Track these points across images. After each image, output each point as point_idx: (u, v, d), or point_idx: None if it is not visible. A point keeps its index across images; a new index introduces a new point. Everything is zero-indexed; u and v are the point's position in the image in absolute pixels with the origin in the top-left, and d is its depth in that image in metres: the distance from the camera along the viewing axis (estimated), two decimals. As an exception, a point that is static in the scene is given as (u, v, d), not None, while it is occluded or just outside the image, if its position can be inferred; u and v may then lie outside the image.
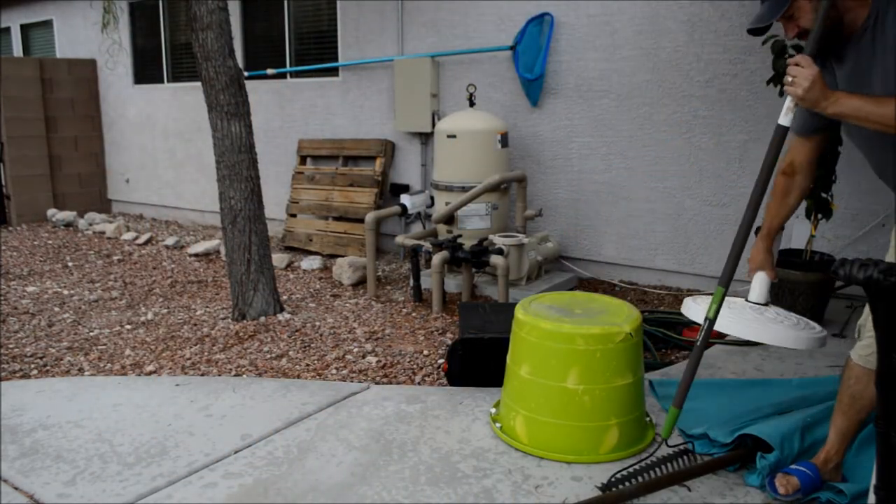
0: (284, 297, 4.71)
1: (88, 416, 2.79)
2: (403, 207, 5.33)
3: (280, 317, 4.27)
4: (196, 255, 6.21)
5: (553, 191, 5.29)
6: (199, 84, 4.15)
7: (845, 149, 3.83)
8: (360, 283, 5.16)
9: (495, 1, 5.29)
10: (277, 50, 6.78)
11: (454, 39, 5.56)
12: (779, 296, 3.88)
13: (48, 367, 3.58)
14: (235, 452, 2.48)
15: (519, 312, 2.57)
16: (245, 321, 4.19)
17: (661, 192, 4.81)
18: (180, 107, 7.86)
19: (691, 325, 3.89)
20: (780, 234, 2.36)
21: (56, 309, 4.60)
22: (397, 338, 3.98)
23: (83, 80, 8.63)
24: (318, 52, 6.56)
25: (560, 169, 5.22)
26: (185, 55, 7.73)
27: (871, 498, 1.65)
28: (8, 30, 9.90)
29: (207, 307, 4.60)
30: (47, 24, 9.31)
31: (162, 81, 8.04)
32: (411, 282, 4.69)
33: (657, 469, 2.22)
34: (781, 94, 3.89)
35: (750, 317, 2.11)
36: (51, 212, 8.19)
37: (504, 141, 4.93)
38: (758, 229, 2.38)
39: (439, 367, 3.49)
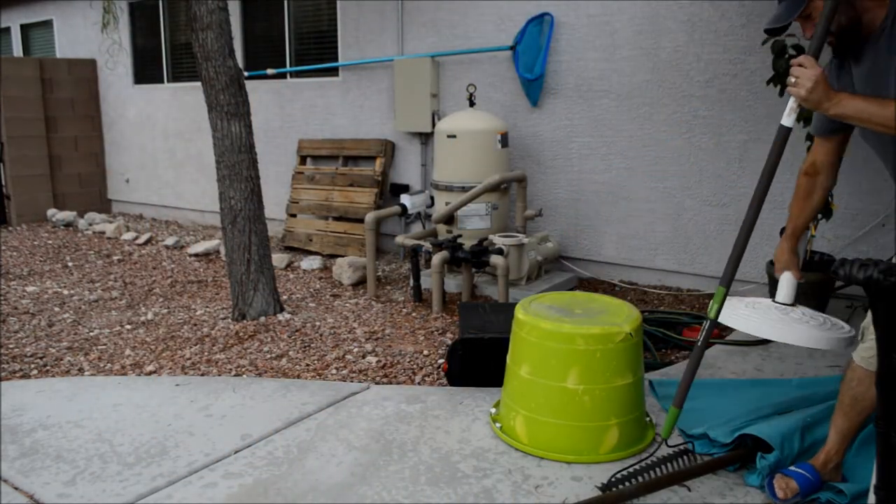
0: (284, 297, 4.71)
1: (88, 416, 2.79)
2: (403, 207, 5.33)
3: (280, 317, 4.27)
4: (196, 255, 6.22)
5: (553, 191, 5.29)
6: (199, 84, 4.15)
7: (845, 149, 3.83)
8: (360, 283, 5.16)
9: (495, 1, 5.29)
10: (277, 50, 6.78)
11: (454, 39, 5.56)
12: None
13: (48, 367, 3.58)
14: (235, 452, 2.48)
15: (519, 312, 2.57)
16: (245, 321, 4.19)
17: (661, 192, 4.81)
18: (180, 107, 7.86)
19: (691, 325, 3.90)
20: (805, 234, 2.36)
21: (56, 309, 4.60)
22: (397, 338, 3.98)
23: (83, 80, 8.63)
24: (318, 52, 6.56)
25: (560, 169, 5.22)
26: (185, 55, 7.73)
27: (871, 498, 1.65)
28: (8, 30, 9.90)
29: (207, 307, 4.60)
30: (47, 24, 9.31)
31: (162, 81, 8.04)
32: (411, 282, 4.69)
33: (657, 469, 2.22)
34: (782, 94, 3.91)
35: (775, 317, 2.11)
36: (51, 212, 8.19)
37: (504, 141, 4.93)
38: (782, 230, 2.39)
39: (439, 367, 3.49)
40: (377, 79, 6.09)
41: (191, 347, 3.81)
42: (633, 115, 4.84)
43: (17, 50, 9.84)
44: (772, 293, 4.16)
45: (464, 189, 4.75)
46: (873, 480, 1.64)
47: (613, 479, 2.20)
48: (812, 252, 3.93)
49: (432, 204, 5.37)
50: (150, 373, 3.47)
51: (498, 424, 2.62)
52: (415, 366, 3.53)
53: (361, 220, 5.44)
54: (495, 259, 4.21)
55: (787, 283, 2.23)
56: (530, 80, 5.12)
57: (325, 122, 6.55)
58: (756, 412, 2.56)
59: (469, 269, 4.44)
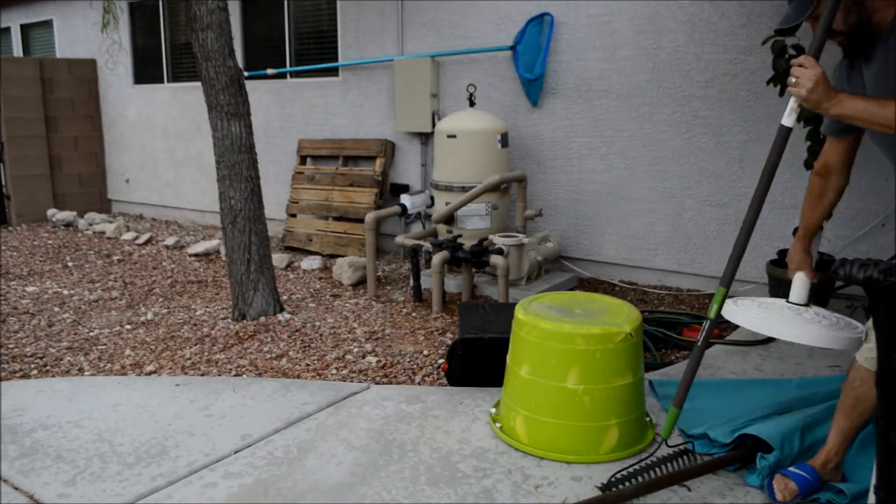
0: (284, 297, 4.71)
1: (88, 416, 2.79)
2: (403, 207, 5.33)
3: (280, 317, 4.27)
4: (196, 255, 6.22)
5: (553, 191, 5.29)
6: (199, 84, 4.15)
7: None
8: (360, 283, 5.16)
9: (495, 1, 5.29)
10: (277, 50, 6.78)
11: (454, 39, 5.56)
12: (779, 296, 3.87)
13: (48, 367, 3.58)
14: (235, 452, 2.48)
15: (519, 312, 2.57)
16: (245, 321, 4.19)
17: (661, 192, 4.81)
18: (180, 107, 7.86)
19: (691, 325, 3.90)
20: (819, 234, 2.36)
21: (56, 309, 4.60)
22: (397, 338, 3.98)
23: (83, 80, 8.63)
24: (318, 52, 6.56)
25: (560, 169, 5.22)
26: (185, 55, 7.73)
27: (871, 498, 1.65)
28: (8, 30, 9.90)
29: (207, 307, 4.60)
30: (47, 24, 9.31)
31: (162, 81, 8.04)
32: (411, 282, 4.69)
33: (657, 469, 2.22)
34: (782, 94, 3.91)
35: (787, 317, 2.11)
36: (51, 212, 8.19)
37: (504, 141, 4.93)
38: (795, 230, 2.39)
39: (439, 367, 3.49)
40: (377, 79, 6.09)
41: (191, 347, 3.81)
42: (633, 115, 4.84)
43: (17, 50, 9.84)
44: (772, 293, 4.18)
45: (464, 189, 4.75)
46: (873, 480, 1.64)
47: (613, 479, 2.20)
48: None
49: (432, 204, 5.37)
50: (150, 373, 3.47)
51: (498, 424, 2.62)
52: (415, 366, 3.53)
53: (361, 220, 5.43)
54: (495, 259, 4.21)
55: (800, 283, 2.23)
56: (530, 80, 5.12)
57: (325, 122, 6.55)
58: (756, 412, 2.56)
59: (469, 269, 4.44)
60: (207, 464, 2.40)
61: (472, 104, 5.07)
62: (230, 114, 4.06)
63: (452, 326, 4.12)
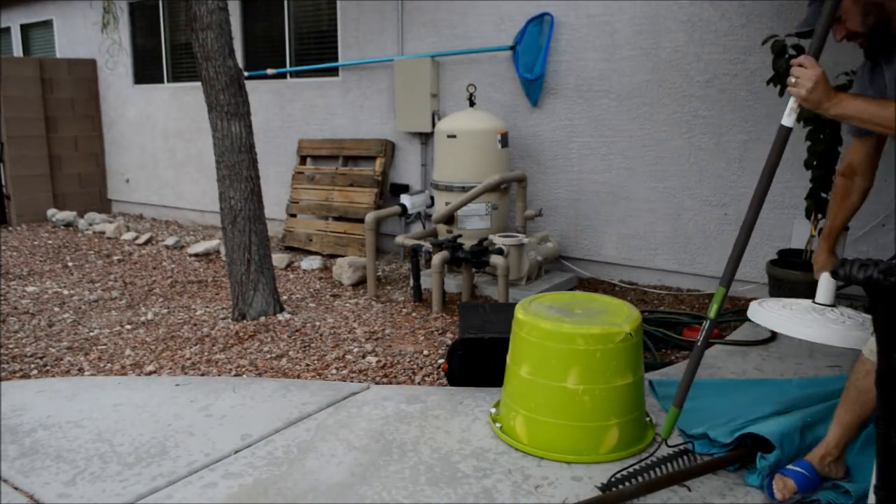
0: (284, 297, 4.71)
1: (88, 416, 2.79)
2: (403, 207, 5.33)
3: (280, 317, 4.27)
4: (196, 255, 6.22)
5: (553, 191, 5.29)
6: (199, 84, 4.15)
7: (845, 149, 3.83)
8: (360, 283, 5.16)
9: (495, 1, 5.29)
10: (277, 50, 6.78)
11: (454, 39, 5.56)
12: (779, 296, 3.88)
13: (48, 367, 3.58)
14: (235, 452, 2.48)
15: (519, 312, 2.57)
16: (245, 321, 4.19)
17: (661, 192, 4.81)
18: (180, 107, 7.86)
19: (691, 325, 3.90)
20: (845, 234, 2.37)
21: (56, 309, 4.60)
22: (397, 338, 3.98)
23: (83, 80, 8.63)
24: (318, 52, 6.56)
25: (560, 169, 5.22)
26: (185, 55, 7.73)
27: (871, 498, 1.65)
28: (8, 30, 9.90)
29: (207, 307, 4.60)
30: (47, 24, 9.31)
31: (162, 81, 8.04)
32: (411, 282, 4.69)
33: (657, 469, 2.22)
34: (782, 94, 3.91)
35: (811, 318, 2.10)
36: (51, 212, 8.19)
37: (504, 141, 4.93)
38: (820, 230, 2.39)
39: (439, 367, 3.49)
40: (377, 79, 6.09)
41: (191, 347, 3.81)
42: (633, 115, 4.84)
43: (17, 50, 9.84)
44: (772, 293, 4.19)
45: (464, 189, 4.75)
46: (873, 480, 1.64)
47: (613, 479, 2.20)
48: (812, 252, 3.94)
49: (432, 204, 5.37)
50: (150, 373, 3.47)
51: (498, 424, 2.62)
52: (415, 366, 3.53)
53: (361, 220, 5.43)
54: (495, 259, 4.21)
55: (825, 283, 2.22)
56: (530, 80, 5.12)
57: (325, 122, 6.55)
58: (756, 412, 2.55)
59: (469, 269, 4.44)
60: (207, 464, 2.40)
61: (472, 104, 5.07)
62: (230, 114, 4.06)
63: (452, 326, 4.12)
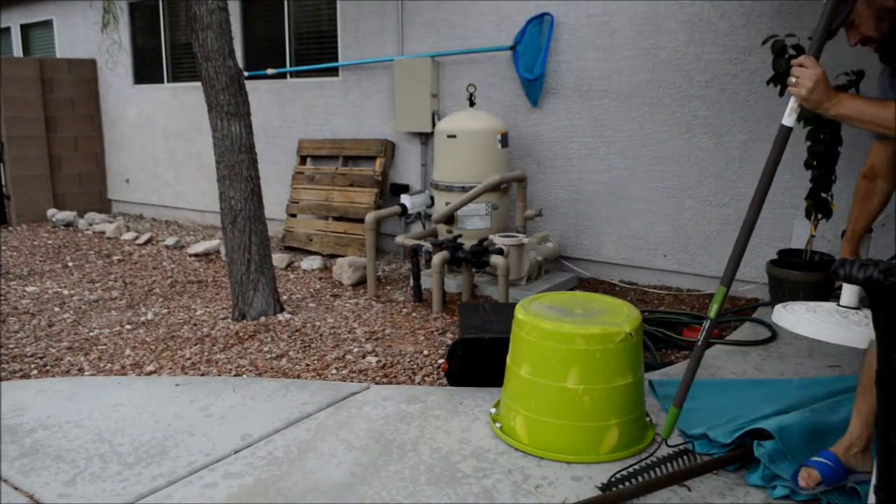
0: (284, 297, 4.71)
1: (88, 416, 2.79)
2: (403, 207, 5.33)
3: (280, 317, 4.27)
4: (196, 255, 6.22)
5: (553, 191, 5.29)
6: (199, 84, 4.15)
7: (845, 149, 3.84)
8: (360, 283, 5.16)
9: (495, 1, 5.29)
10: (277, 50, 6.78)
11: (454, 39, 5.56)
12: (779, 296, 3.89)
13: (48, 367, 3.58)
14: (235, 452, 2.48)
15: (519, 312, 2.57)
16: (245, 321, 4.19)
17: (661, 192, 4.81)
18: (180, 107, 7.86)
19: (691, 325, 3.90)
20: (868, 236, 2.36)
21: (56, 309, 4.60)
22: (397, 338, 3.98)
23: (83, 80, 8.63)
24: (318, 52, 6.56)
25: (560, 169, 5.22)
26: (185, 55, 7.73)
27: (871, 498, 1.65)
28: (8, 30, 9.90)
29: (207, 307, 4.60)
30: (47, 24, 9.31)
31: (162, 81, 8.04)
32: (411, 282, 4.69)
33: (657, 469, 2.22)
34: (782, 94, 3.91)
35: (833, 320, 2.10)
36: (51, 212, 8.19)
37: (504, 141, 4.93)
38: (843, 232, 2.38)
39: (439, 367, 3.49)
40: (377, 79, 6.09)
41: (191, 347, 3.81)
42: (633, 115, 4.84)
43: (17, 50, 9.84)
44: (772, 293, 4.18)
45: (464, 189, 4.75)
46: (873, 480, 1.64)
47: (613, 479, 2.20)
48: (812, 252, 3.94)
49: (432, 204, 5.37)
50: (150, 373, 3.47)
51: (498, 424, 2.62)
52: (415, 366, 3.53)
53: (361, 220, 5.43)
54: (495, 259, 4.21)
55: (849, 286, 2.21)
56: (530, 80, 5.12)
57: (325, 122, 6.55)
58: (756, 412, 2.56)
59: (469, 269, 4.44)
60: (207, 464, 2.40)
61: (472, 104, 5.07)
62: (230, 114, 4.06)
63: (452, 326, 4.12)
